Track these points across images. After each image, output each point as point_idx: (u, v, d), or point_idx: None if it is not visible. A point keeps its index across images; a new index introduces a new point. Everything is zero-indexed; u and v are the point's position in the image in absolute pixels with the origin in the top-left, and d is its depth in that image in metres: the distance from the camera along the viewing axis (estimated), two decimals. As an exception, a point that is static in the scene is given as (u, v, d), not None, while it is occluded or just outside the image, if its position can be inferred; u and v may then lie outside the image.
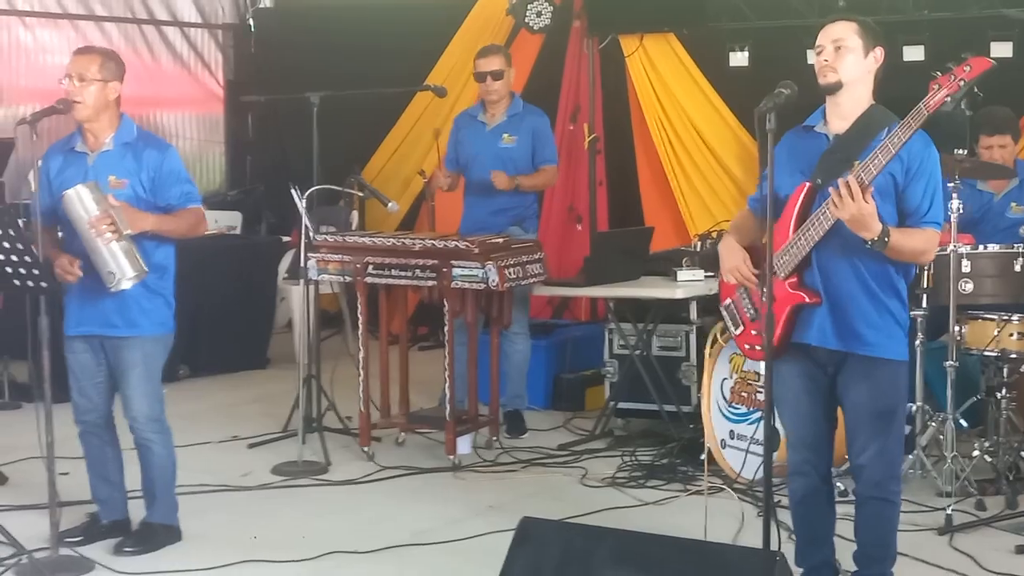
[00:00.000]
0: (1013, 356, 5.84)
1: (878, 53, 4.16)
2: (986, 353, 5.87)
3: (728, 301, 4.54)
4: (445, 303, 6.44)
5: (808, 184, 4.14)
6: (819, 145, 4.20)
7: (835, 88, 4.11)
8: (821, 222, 4.07)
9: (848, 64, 4.11)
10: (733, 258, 4.34)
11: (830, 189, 3.97)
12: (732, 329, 4.55)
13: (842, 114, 4.16)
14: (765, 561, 3.55)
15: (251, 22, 11.85)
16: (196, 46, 11.67)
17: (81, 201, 4.92)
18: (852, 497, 5.29)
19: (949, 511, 5.45)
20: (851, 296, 4.14)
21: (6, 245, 4.76)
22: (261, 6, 11.82)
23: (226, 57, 11.95)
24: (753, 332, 4.43)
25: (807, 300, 4.17)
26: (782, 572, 3.49)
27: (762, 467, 5.74)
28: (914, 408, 5.99)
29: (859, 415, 4.22)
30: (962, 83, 3.90)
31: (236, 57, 11.96)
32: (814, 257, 4.15)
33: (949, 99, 3.94)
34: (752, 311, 4.41)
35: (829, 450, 4.41)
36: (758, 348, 4.42)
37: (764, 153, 4.04)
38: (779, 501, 5.11)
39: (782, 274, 4.18)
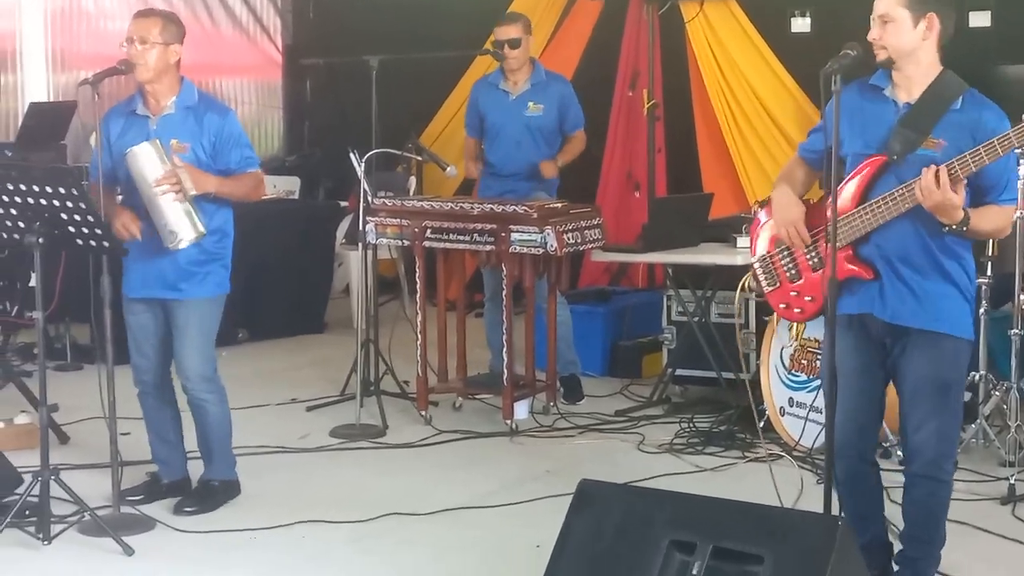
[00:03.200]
0: (1079, 325, 5.76)
1: (931, 20, 3.99)
2: (1051, 322, 5.79)
3: (764, 252, 4.41)
4: (503, 268, 6.43)
5: (881, 157, 4.03)
6: (886, 111, 4.07)
7: (888, 64, 4.01)
8: (897, 202, 3.96)
9: (894, 38, 3.98)
10: (791, 212, 4.22)
11: (923, 172, 3.84)
12: (765, 284, 4.42)
13: (909, 85, 4.05)
14: (827, 525, 3.51)
15: (311, -14, 11.86)
16: (255, 11, 11.66)
17: (147, 158, 4.96)
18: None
19: (1012, 481, 5.39)
20: (918, 270, 4.02)
21: (69, 205, 4.79)
22: (321, -30, 11.82)
23: (285, 22, 11.94)
24: (792, 292, 4.32)
25: (861, 275, 4.08)
26: (844, 536, 3.45)
27: (823, 434, 5.77)
28: (977, 377, 5.92)
29: (917, 390, 4.08)
30: None
31: (295, 22, 11.95)
32: (879, 228, 4.03)
33: None
34: (792, 271, 4.31)
35: (875, 432, 4.31)
36: (795, 309, 4.34)
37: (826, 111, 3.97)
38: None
39: (838, 244, 4.08)
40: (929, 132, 3.97)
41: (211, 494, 5.37)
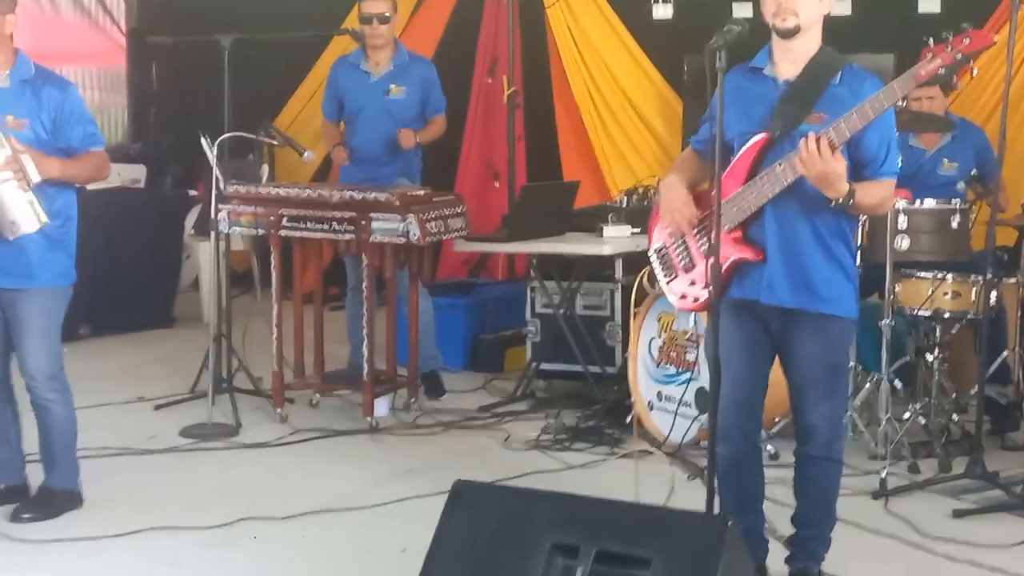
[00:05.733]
0: (947, 316, 5.71)
1: None
2: (919, 313, 5.74)
3: (660, 245, 4.31)
4: (363, 258, 6.17)
5: (765, 135, 3.95)
6: (768, 90, 4.00)
7: (792, 32, 3.91)
8: (779, 177, 3.88)
9: (808, 7, 3.90)
10: (677, 197, 4.12)
11: (800, 143, 3.78)
12: (663, 276, 4.32)
13: (793, 58, 3.98)
14: (716, 524, 3.34)
15: (155, -34, 11.41)
16: (97, -7, 11.23)
17: None
18: (781, 461, 5.19)
19: (883, 475, 5.32)
20: (806, 251, 3.96)
21: None
22: (166, -52, 11.36)
23: (128, 4, 11.48)
24: (689, 282, 4.21)
25: (751, 257, 3.99)
26: (733, 537, 3.28)
27: (690, 429, 5.64)
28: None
29: (810, 372, 4.04)
30: (959, 56, 3.72)
31: (139, 4, 11.48)
32: (767, 210, 3.95)
33: (943, 70, 3.76)
34: (687, 260, 4.21)
35: (759, 414, 4.22)
36: (692, 299, 4.22)
37: (712, 93, 3.82)
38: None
39: (727, 226, 3.97)
40: (811, 107, 3.92)
41: (52, 500, 5.03)
